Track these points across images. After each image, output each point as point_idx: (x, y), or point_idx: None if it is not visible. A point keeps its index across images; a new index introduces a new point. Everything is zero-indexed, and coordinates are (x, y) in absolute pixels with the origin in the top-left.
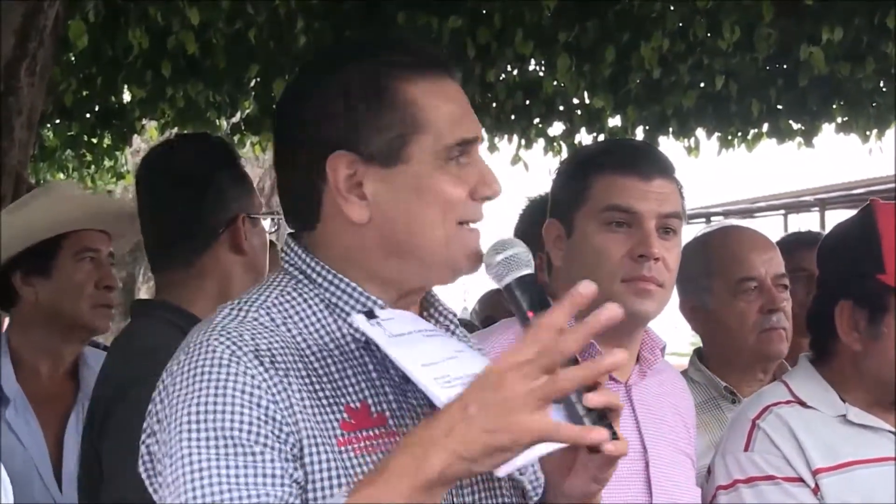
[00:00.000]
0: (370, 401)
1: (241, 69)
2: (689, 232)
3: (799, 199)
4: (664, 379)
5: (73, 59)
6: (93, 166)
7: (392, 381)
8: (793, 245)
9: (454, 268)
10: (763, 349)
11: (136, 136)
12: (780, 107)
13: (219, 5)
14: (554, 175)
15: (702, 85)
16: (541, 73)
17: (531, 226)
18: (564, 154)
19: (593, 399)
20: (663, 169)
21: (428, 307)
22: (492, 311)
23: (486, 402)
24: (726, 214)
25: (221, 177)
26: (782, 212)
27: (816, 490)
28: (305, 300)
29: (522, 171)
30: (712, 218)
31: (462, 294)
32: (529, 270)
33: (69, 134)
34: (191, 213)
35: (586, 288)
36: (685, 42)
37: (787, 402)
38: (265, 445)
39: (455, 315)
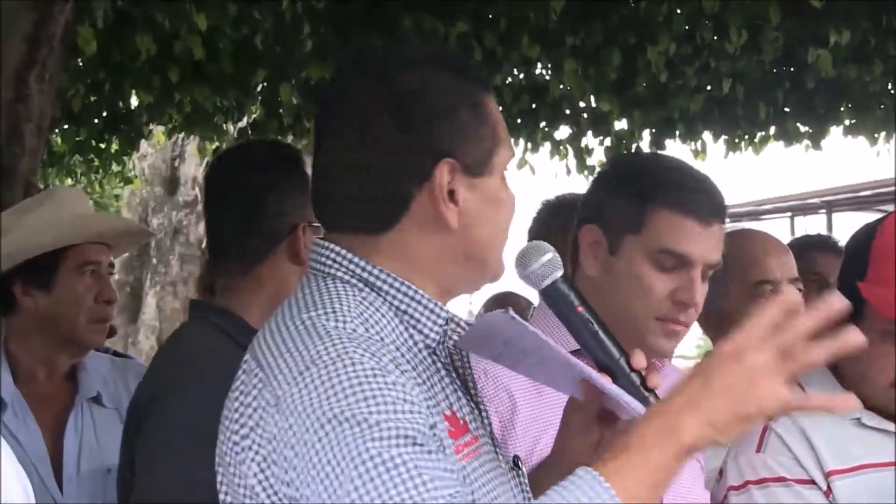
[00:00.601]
0: (454, 407)
1: (248, 74)
2: None
3: (805, 202)
4: (671, 384)
5: (81, 64)
6: (101, 171)
7: (458, 385)
8: (803, 248)
9: (496, 278)
10: None
11: (143, 140)
12: (787, 109)
13: (226, 11)
14: (602, 180)
15: (708, 88)
16: (547, 77)
17: (545, 227)
18: (571, 158)
19: (653, 380)
20: (720, 211)
21: None
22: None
23: (729, 375)
24: (733, 217)
25: (282, 185)
26: (789, 214)
27: (828, 493)
28: (377, 309)
29: (528, 174)
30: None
31: (468, 297)
32: (562, 271)
33: (77, 139)
34: (250, 221)
35: (840, 303)
36: (692, 45)
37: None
38: (436, 447)
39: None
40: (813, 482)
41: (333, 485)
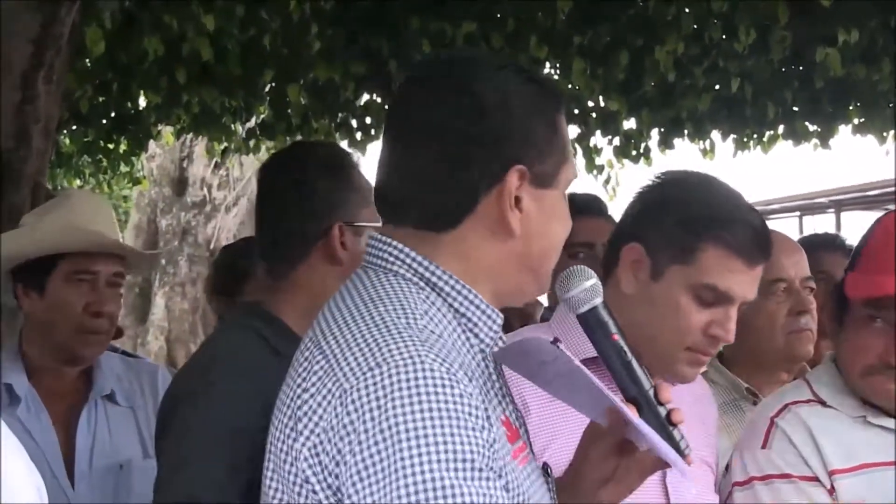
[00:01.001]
0: (507, 411)
1: (256, 75)
2: None
3: (814, 201)
4: (686, 388)
5: (88, 65)
6: (109, 172)
7: (507, 390)
8: (810, 247)
9: (542, 291)
10: (791, 350)
11: (151, 141)
12: (795, 109)
13: (233, 12)
14: (650, 198)
15: (717, 87)
16: (555, 77)
17: None
18: (580, 157)
19: (678, 416)
20: (767, 253)
21: None
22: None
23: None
24: None
25: (314, 185)
26: (797, 213)
27: (832, 490)
28: (438, 309)
29: None
30: None
31: None
32: (602, 298)
33: (85, 140)
34: (281, 223)
35: None
36: (700, 45)
37: (808, 402)
38: (492, 469)
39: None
40: (817, 479)
41: (381, 492)
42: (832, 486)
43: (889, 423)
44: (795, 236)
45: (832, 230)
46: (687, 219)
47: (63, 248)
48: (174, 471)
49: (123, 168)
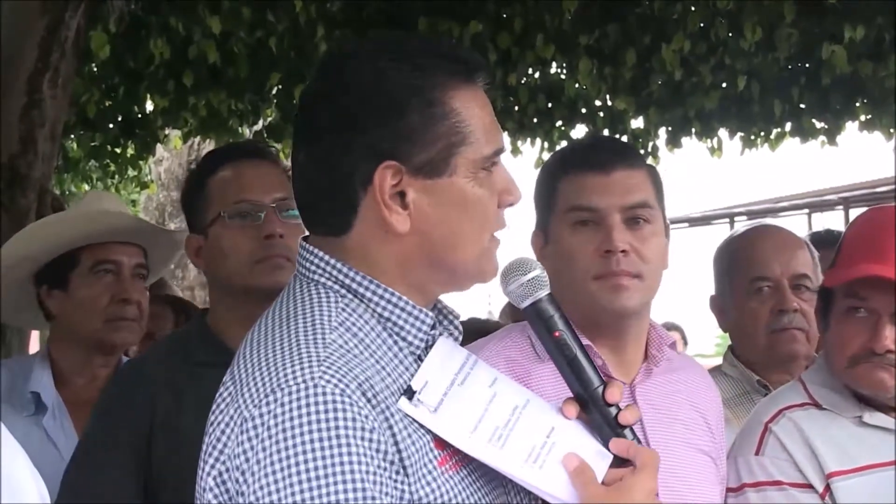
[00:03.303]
0: None
1: (263, 77)
2: (712, 233)
3: (822, 199)
4: (682, 377)
5: (95, 69)
6: (117, 176)
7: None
8: (814, 245)
9: (480, 279)
10: (774, 350)
11: (159, 145)
12: (802, 106)
13: (240, 14)
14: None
15: (724, 86)
16: (562, 77)
17: None
18: None
19: (627, 417)
20: (624, 158)
21: (433, 310)
22: (519, 315)
23: None
24: (749, 214)
25: None
26: (806, 211)
27: (825, 493)
28: (360, 316)
29: None
30: (735, 218)
31: (486, 297)
32: (548, 290)
33: (93, 144)
34: None
35: None
36: (707, 43)
37: (802, 406)
38: (386, 495)
39: (457, 316)
40: (810, 486)
41: None
42: (827, 490)
43: (886, 422)
44: (804, 234)
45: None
46: (544, 178)
47: (82, 240)
48: None
49: (131, 172)
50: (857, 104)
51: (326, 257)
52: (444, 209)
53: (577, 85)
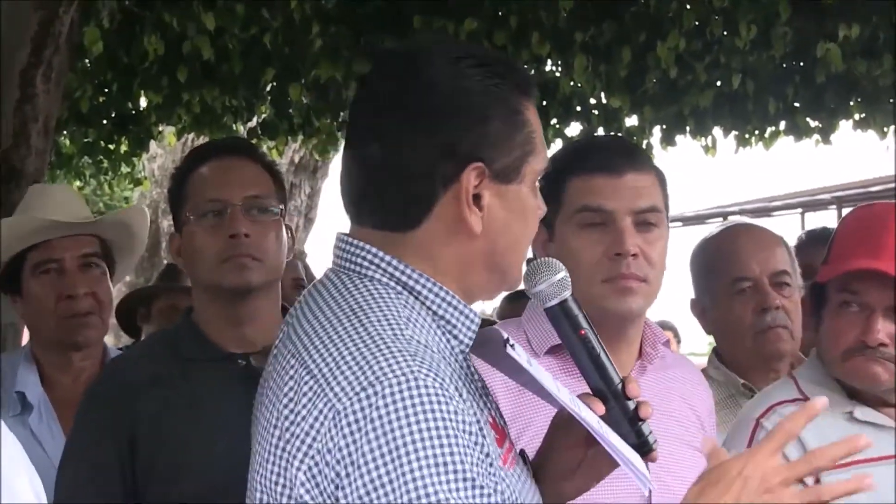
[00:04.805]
0: (492, 411)
1: (257, 74)
2: (706, 232)
3: (816, 198)
4: (676, 374)
5: (88, 65)
6: (110, 173)
7: (489, 392)
8: (806, 242)
9: (515, 286)
10: (761, 350)
11: (152, 141)
12: (797, 104)
13: (234, 11)
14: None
15: (718, 84)
16: (557, 74)
17: None
18: None
19: (647, 411)
20: (635, 162)
21: None
22: (513, 313)
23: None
24: (743, 213)
25: None
26: (799, 210)
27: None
28: (418, 313)
29: None
30: (729, 217)
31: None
32: (571, 291)
33: (86, 140)
34: None
35: (819, 402)
36: (702, 41)
37: (793, 401)
38: (488, 486)
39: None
40: (801, 480)
41: None
42: (817, 482)
43: (876, 418)
44: (797, 232)
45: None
46: (551, 175)
47: (15, 246)
48: None
49: (124, 169)
50: (852, 103)
51: (381, 253)
52: (511, 215)
53: (572, 82)
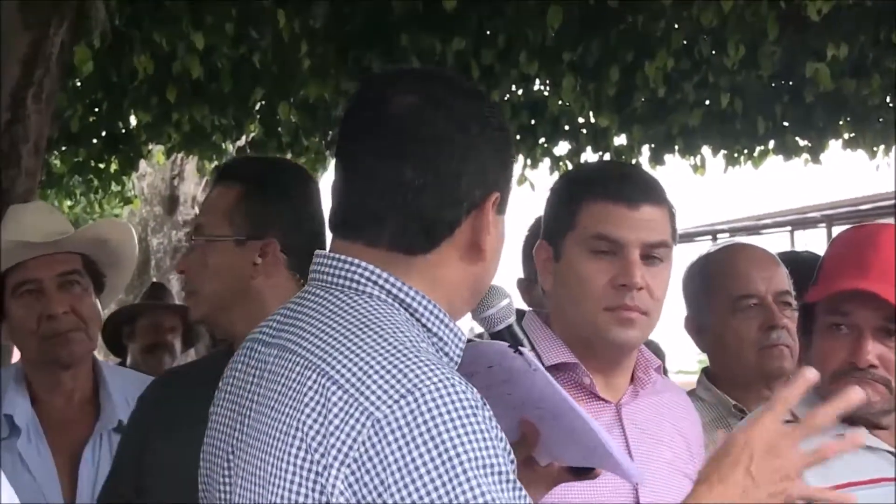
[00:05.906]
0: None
1: (246, 93)
2: (695, 250)
3: (805, 216)
4: (665, 400)
5: (78, 84)
6: (100, 191)
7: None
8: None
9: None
10: (764, 367)
11: (142, 160)
12: (786, 123)
13: (223, 30)
14: (547, 195)
15: (707, 103)
16: (546, 93)
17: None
18: None
19: None
20: (652, 195)
21: None
22: None
23: (767, 469)
24: (732, 232)
25: None
26: (788, 228)
27: None
28: (417, 333)
29: (529, 190)
30: (718, 235)
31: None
32: (513, 319)
33: (76, 160)
34: None
35: (811, 374)
36: (690, 60)
37: (784, 423)
38: (522, 489)
39: None
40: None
41: None
42: None
43: (869, 440)
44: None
45: (824, 245)
46: (568, 192)
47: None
48: None
49: (115, 188)
50: (841, 122)
51: (377, 270)
52: (499, 243)
53: (560, 101)
